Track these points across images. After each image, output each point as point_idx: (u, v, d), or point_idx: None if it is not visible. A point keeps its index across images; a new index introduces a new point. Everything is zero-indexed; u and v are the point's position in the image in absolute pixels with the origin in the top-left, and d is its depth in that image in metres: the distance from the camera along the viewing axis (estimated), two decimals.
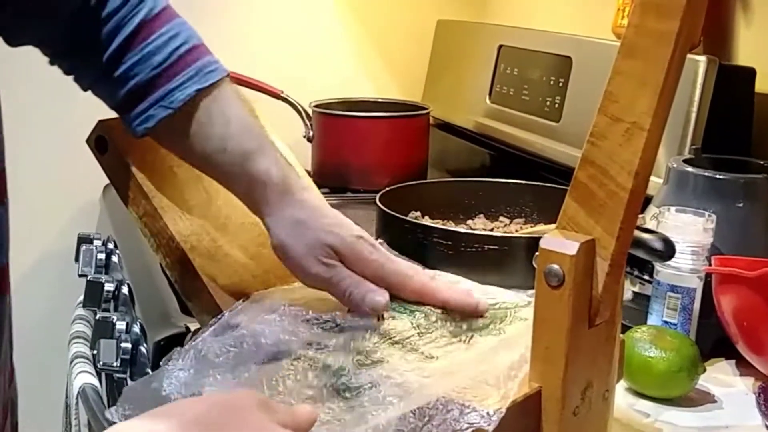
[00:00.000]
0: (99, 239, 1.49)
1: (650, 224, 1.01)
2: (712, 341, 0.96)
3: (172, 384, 0.73)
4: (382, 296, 0.77)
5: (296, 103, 1.80)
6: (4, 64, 1.77)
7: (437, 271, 0.90)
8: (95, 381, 1.19)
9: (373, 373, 0.71)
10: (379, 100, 1.89)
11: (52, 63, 0.83)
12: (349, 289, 0.77)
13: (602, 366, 0.71)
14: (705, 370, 0.89)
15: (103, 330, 1.18)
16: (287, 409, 0.59)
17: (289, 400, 0.70)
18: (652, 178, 1.23)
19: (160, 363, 0.76)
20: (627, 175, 0.66)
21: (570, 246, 0.65)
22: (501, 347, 0.74)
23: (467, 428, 0.64)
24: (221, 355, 0.75)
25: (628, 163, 0.66)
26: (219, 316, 0.80)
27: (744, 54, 1.30)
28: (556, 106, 1.49)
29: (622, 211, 0.65)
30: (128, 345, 1.10)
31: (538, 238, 0.67)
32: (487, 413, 0.64)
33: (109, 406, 1.21)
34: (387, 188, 1.26)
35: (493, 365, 0.70)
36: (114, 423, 0.62)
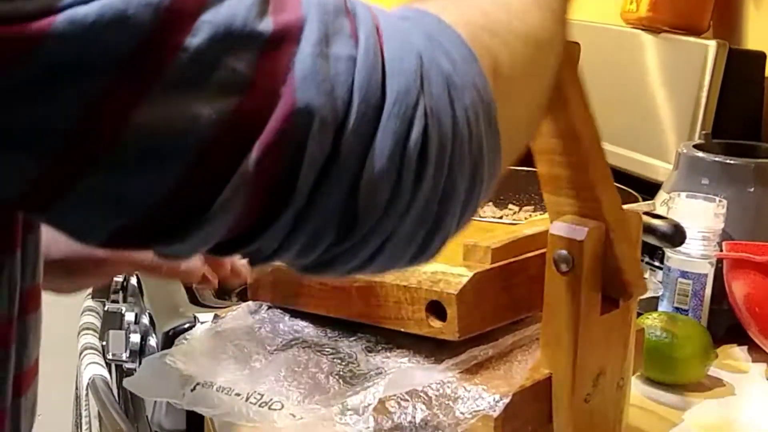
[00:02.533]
0: None
1: (661, 210, 1.01)
2: (724, 327, 0.95)
3: (190, 365, 0.73)
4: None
5: None
6: None
7: None
8: (105, 372, 1.19)
9: (380, 359, 0.71)
10: None
11: None
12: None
13: (616, 354, 0.71)
14: (717, 356, 0.88)
15: (111, 321, 1.18)
16: None
17: (296, 386, 0.70)
18: (662, 164, 1.24)
19: (176, 342, 0.77)
20: (574, 140, 0.68)
21: (579, 231, 0.65)
22: None
23: (473, 413, 0.63)
24: (241, 339, 0.75)
25: (569, 130, 0.68)
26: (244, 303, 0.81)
27: (754, 38, 1.29)
28: None
29: (590, 168, 0.66)
30: (137, 336, 1.10)
31: None
32: (494, 399, 0.64)
33: (118, 397, 1.22)
34: None
35: None
36: (143, 415, 0.65)
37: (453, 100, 0.43)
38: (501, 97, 0.46)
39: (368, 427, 0.65)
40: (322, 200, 0.41)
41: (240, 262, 0.84)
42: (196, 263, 0.79)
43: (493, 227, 0.77)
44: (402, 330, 0.71)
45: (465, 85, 0.43)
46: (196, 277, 0.80)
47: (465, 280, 0.67)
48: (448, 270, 0.69)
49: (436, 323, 0.68)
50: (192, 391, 0.72)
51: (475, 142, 0.44)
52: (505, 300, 0.70)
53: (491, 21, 0.48)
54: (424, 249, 0.45)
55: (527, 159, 1.35)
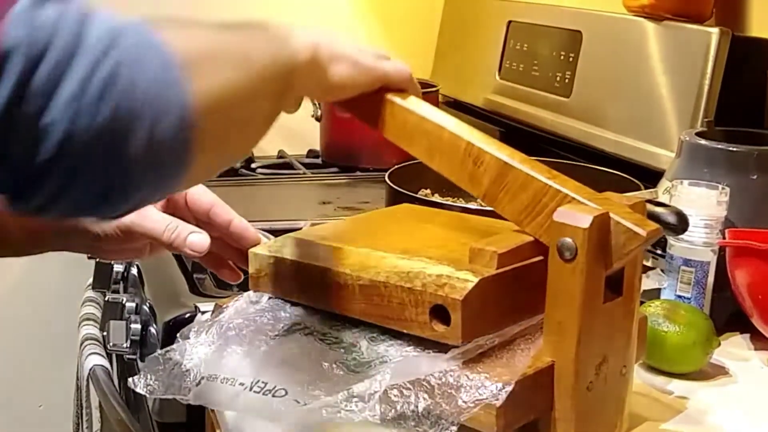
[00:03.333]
0: None
1: (663, 198, 1.00)
2: (726, 315, 0.95)
3: (193, 359, 0.73)
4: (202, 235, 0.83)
5: None
6: None
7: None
8: (106, 362, 1.19)
9: (384, 348, 0.70)
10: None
11: None
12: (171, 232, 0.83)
13: (619, 342, 0.70)
14: (719, 344, 0.88)
15: (112, 311, 1.18)
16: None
17: (299, 374, 0.70)
18: (665, 152, 1.24)
19: (178, 334, 0.77)
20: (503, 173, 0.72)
21: (583, 219, 0.64)
22: None
23: (476, 402, 0.63)
24: (242, 329, 0.75)
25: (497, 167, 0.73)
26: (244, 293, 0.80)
27: (757, 25, 1.29)
28: (567, 81, 1.48)
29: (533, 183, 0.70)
30: (138, 326, 1.10)
31: None
32: (496, 387, 0.63)
33: (119, 388, 1.22)
34: (396, 166, 1.25)
35: None
36: (143, 405, 0.67)
37: (136, 77, 0.52)
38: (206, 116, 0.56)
39: (374, 415, 0.65)
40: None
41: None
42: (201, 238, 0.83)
43: (499, 228, 0.76)
44: (404, 331, 0.70)
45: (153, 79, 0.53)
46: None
47: (471, 285, 0.67)
48: (453, 274, 0.68)
49: (440, 327, 0.68)
50: (197, 385, 0.71)
51: (158, 122, 0.53)
52: (509, 305, 0.70)
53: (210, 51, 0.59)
54: (107, 197, 0.54)
55: (528, 148, 1.34)
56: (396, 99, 0.77)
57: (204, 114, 0.56)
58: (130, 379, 0.73)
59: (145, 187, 0.56)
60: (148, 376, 0.73)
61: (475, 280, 0.67)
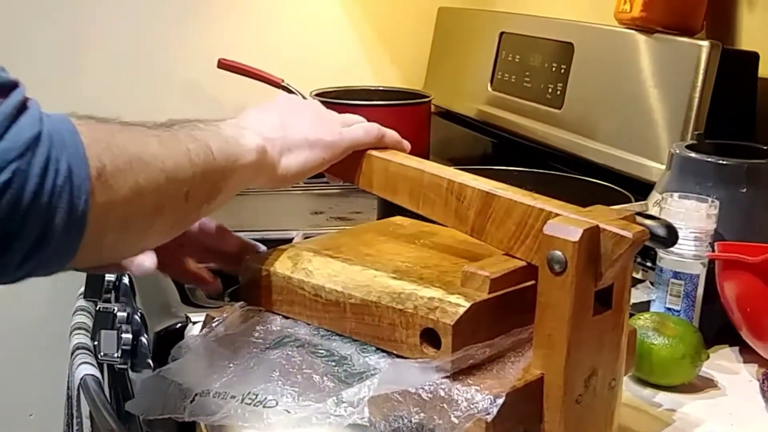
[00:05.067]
0: None
1: (653, 210, 1.01)
2: (716, 328, 0.95)
3: (187, 377, 0.73)
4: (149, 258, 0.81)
5: (297, 92, 1.79)
6: (10, 50, 1.77)
7: None
8: (96, 372, 1.19)
9: (376, 359, 0.71)
10: (381, 88, 1.88)
11: None
12: None
13: (608, 354, 0.71)
14: (708, 357, 0.88)
15: (103, 321, 1.18)
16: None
17: (290, 385, 0.70)
18: (655, 164, 1.24)
19: (172, 351, 0.77)
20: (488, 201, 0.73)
21: (573, 232, 0.65)
22: None
23: (468, 417, 0.63)
24: (234, 342, 0.75)
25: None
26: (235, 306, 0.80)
27: (747, 38, 1.30)
28: (558, 92, 1.48)
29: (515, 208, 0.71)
30: (129, 336, 1.09)
31: None
32: (488, 401, 0.64)
33: (110, 397, 1.22)
34: None
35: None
36: (134, 415, 0.70)
37: (48, 170, 0.57)
38: (104, 196, 0.60)
39: (363, 418, 0.65)
40: None
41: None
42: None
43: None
44: (394, 352, 0.71)
45: (65, 168, 0.58)
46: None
47: (462, 310, 0.67)
48: (445, 297, 0.69)
49: (430, 350, 0.68)
50: (191, 402, 0.72)
51: (55, 205, 0.57)
52: (501, 330, 0.70)
53: (117, 143, 0.63)
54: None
55: (520, 160, 1.35)
56: (373, 152, 0.80)
57: (97, 220, 0.60)
58: (126, 404, 0.74)
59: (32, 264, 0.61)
60: (144, 398, 0.74)
61: (467, 305, 0.67)
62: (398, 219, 0.93)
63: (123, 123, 0.67)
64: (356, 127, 0.82)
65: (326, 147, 0.79)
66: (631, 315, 0.90)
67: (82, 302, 1.39)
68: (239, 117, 0.79)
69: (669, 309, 0.94)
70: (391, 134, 0.85)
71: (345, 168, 0.82)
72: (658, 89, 1.28)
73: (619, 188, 1.21)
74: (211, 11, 1.88)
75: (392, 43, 2.02)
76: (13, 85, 0.58)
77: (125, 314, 1.15)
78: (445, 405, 0.64)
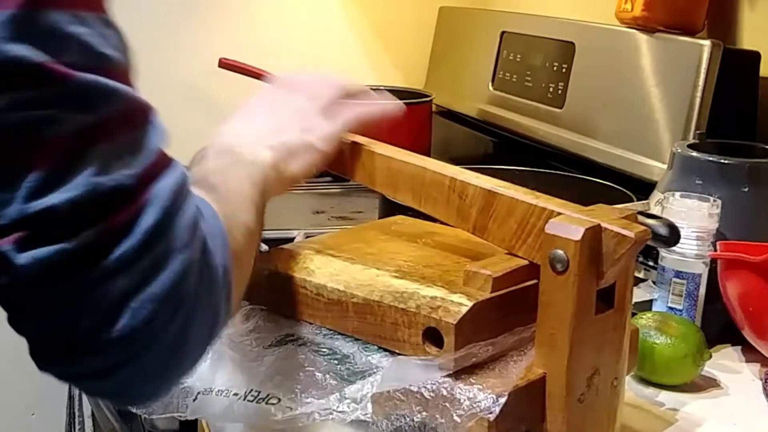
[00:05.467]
0: None
1: (655, 210, 1.01)
2: (718, 327, 0.95)
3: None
4: None
5: None
6: None
7: None
8: None
9: (378, 358, 0.71)
10: (382, 87, 1.87)
11: None
12: None
13: (610, 354, 0.71)
14: (711, 357, 0.88)
15: None
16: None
17: (292, 383, 0.70)
18: (657, 164, 1.24)
19: None
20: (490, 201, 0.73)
21: (575, 231, 0.65)
22: None
23: (471, 416, 0.63)
24: (236, 341, 0.75)
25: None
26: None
27: (749, 37, 1.29)
28: (560, 92, 1.48)
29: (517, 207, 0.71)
30: None
31: None
32: (491, 400, 0.64)
33: None
34: None
35: None
36: (135, 414, 0.68)
37: (207, 259, 0.54)
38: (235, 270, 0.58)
39: (366, 414, 0.65)
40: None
41: None
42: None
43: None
44: (396, 351, 0.71)
45: (217, 261, 0.55)
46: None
47: (464, 309, 0.67)
48: (447, 296, 0.69)
49: (432, 350, 0.68)
50: (194, 401, 0.72)
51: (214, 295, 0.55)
52: (503, 329, 0.70)
53: (235, 219, 0.62)
54: (155, 384, 0.55)
55: (521, 159, 1.35)
56: (376, 149, 0.80)
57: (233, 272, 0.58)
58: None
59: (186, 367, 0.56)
60: None
61: (469, 304, 0.67)
62: (400, 218, 0.93)
63: (212, 178, 0.66)
64: (340, 112, 0.80)
65: (323, 140, 0.78)
66: (633, 314, 0.90)
67: None
68: (234, 129, 0.76)
69: (671, 308, 0.94)
70: (384, 94, 0.85)
71: (345, 163, 0.81)
72: (659, 89, 1.28)
73: (620, 187, 1.21)
74: (211, 10, 1.88)
75: (393, 42, 2.01)
76: (170, 161, 0.54)
77: None
78: (447, 404, 0.64)
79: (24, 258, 0.47)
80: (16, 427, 1.89)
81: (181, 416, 0.72)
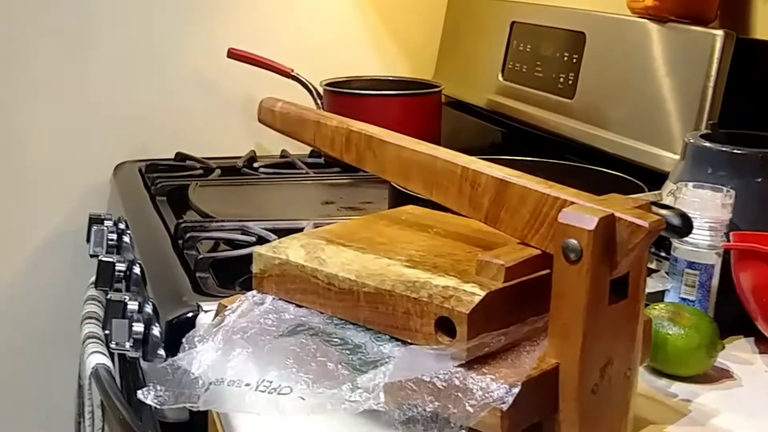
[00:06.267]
0: (110, 219, 1.49)
1: (667, 200, 1.00)
2: (731, 318, 0.95)
3: (200, 366, 0.73)
4: None
5: (307, 82, 1.79)
6: (17, 43, 1.77)
7: None
8: (108, 361, 1.19)
9: (390, 348, 0.70)
10: (391, 78, 1.87)
11: None
12: None
13: (624, 344, 0.70)
14: (724, 348, 0.88)
15: (114, 310, 1.18)
16: None
17: (304, 373, 0.70)
18: (669, 154, 1.24)
19: (183, 340, 0.77)
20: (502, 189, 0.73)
21: (589, 220, 0.64)
22: None
23: (483, 406, 0.63)
24: (247, 331, 0.75)
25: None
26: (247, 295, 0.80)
27: (762, 27, 1.29)
28: (570, 82, 1.47)
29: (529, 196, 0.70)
30: (140, 325, 1.09)
31: None
32: (503, 390, 0.63)
33: (121, 386, 1.22)
34: None
35: None
36: (145, 404, 0.68)
37: None
38: None
39: (379, 403, 0.65)
40: None
41: None
42: None
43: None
44: (408, 341, 0.70)
45: None
46: None
47: (477, 299, 0.67)
48: (460, 286, 0.68)
49: (445, 339, 0.68)
50: (206, 391, 0.72)
51: None
52: (516, 318, 0.70)
53: None
54: None
55: (531, 150, 1.34)
56: (387, 138, 0.79)
57: None
58: (139, 392, 0.73)
59: None
60: (157, 388, 0.73)
61: (482, 293, 0.67)
62: (410, 208, 0.92)
63: None
64: None
65: None
66: (646, 305, 0.89)
67: (93, 291, 1.39)
68: None
69: (684, 299, 0.94)
70: None
71: (354, 151, 0.81)
72: (671, 79, 1.27)
73: (632, 178, 1.20)
74: (221, 1, 1.87)
75: (402, 33, 2.01)
76: None
77: (136, 303, 1.15)
78: (459, 394, 0.64)
79: None
80: (25, 417, 1.89)
81: (192, 407, 0.71)
